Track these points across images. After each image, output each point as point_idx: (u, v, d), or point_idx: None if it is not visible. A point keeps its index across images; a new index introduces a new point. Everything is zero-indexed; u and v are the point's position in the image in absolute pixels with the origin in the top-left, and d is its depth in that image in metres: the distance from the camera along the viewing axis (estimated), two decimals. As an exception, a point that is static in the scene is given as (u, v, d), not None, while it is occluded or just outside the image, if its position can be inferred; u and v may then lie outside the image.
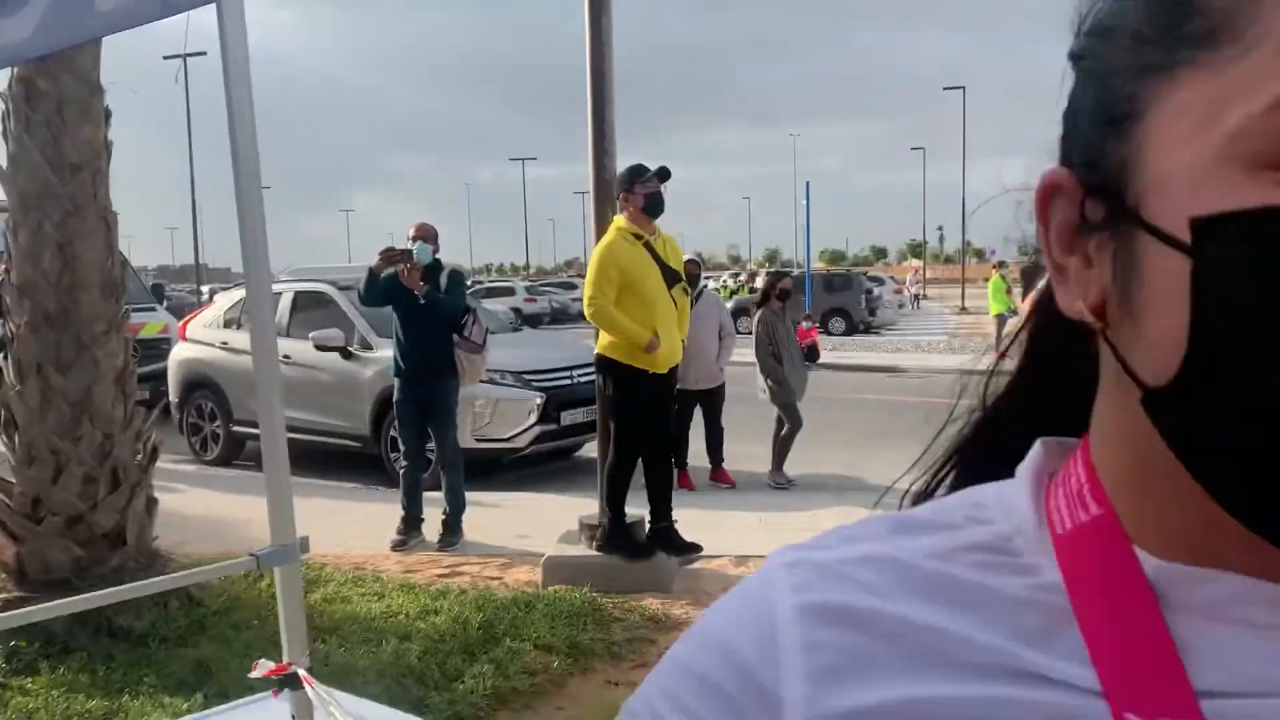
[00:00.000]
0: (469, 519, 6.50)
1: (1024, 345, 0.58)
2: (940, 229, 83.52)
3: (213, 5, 2.28)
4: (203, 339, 10.20)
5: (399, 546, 6.30)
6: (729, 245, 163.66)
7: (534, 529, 6.49)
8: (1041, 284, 0.53)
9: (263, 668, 2.42)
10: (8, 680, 4.06)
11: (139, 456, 4.80)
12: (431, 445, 6.66)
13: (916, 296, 43.71)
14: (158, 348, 10.92)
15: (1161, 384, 0.42)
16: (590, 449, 7.69)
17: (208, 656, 4.24)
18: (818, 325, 18.38)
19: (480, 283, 42.30)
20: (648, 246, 5.45)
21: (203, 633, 4.55)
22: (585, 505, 6.07)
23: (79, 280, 4.52)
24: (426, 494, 6.53)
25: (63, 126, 4.47)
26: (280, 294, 9.25)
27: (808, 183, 25.81)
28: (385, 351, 7.58)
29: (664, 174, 5.51)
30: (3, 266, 4.76)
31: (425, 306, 6.22)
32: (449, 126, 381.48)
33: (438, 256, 6.40)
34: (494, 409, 8.37)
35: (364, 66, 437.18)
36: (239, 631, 4.55)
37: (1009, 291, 18.41)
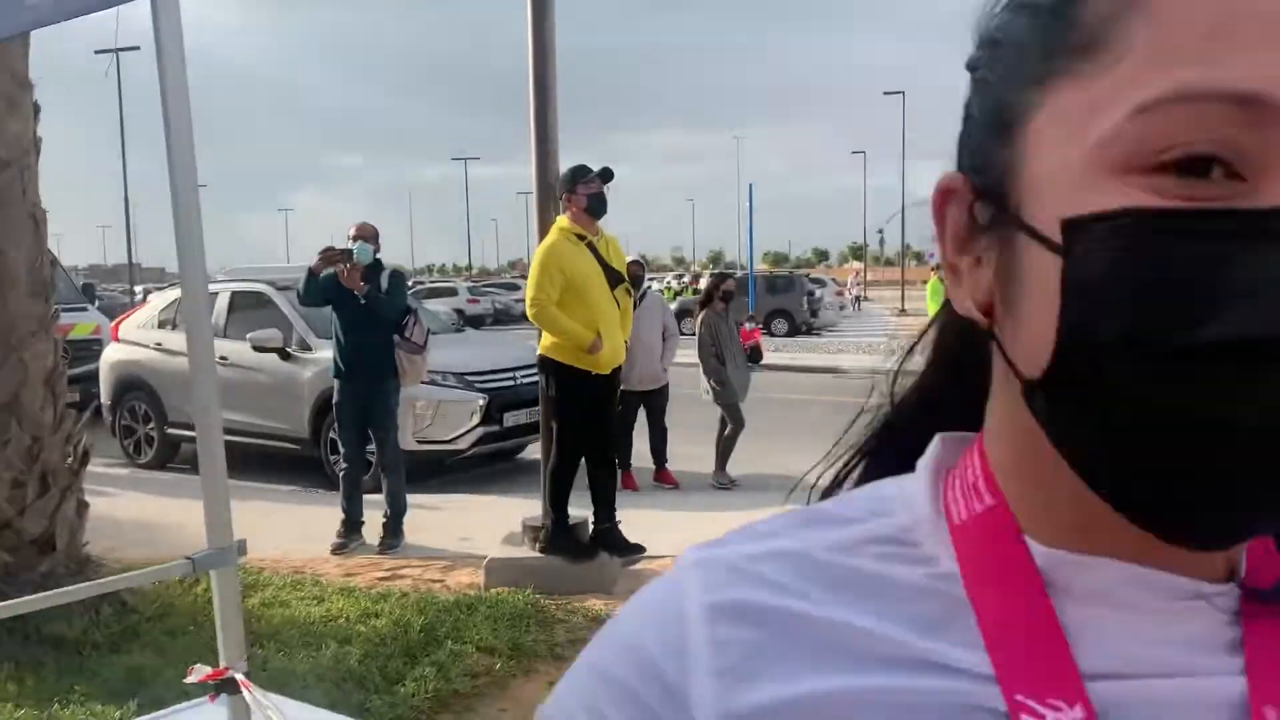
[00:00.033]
0: (410, 521, 6.45)
1: (930, 344, 0.61)
2: (881, 232, 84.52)
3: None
4: (136, 340, 9.98)
5: (339, 550, 6.22)
6: (673, 247, 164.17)
7: (476, 531, 6.45)
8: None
9: (199, 672, 2.38)
10: (-69, 691, 3.95)
11: (69, 460, 4.69)
12: (372, 447, 6.59)
13: (858, 298, 44.20)
14: (89, 349, 10.67)
15: (1037, 377, 0.44)
16: (533, 450, 7.66)
17: (141, 663, 4.16)
18: (760, 326, 18.51)
19: (422, 283, 41.91)
20: (590, 247, 5.45)
21: (136, 639, 4.45)
22: (528, 507, 6.05)
23: (6, 279, 4.40)
24: (367, 496, 6.46)
25: (-10, 122, 4.36)
26: (217, 294, 9.09)
27: (751, 185, 26.07)
28: (324, 352, 7.49)
29: (607, 175, 5.52)
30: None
31: (366, 307, 6.16)
32: (390, 126, 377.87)
33: (379, 256, 6.34)
34: (436, 410, 8.31)
35: (303, 65, 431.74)
36: (174, 638, 4.46)
37: (947, 293, 18.68)
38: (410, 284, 8.09)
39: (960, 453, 0.53)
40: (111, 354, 10.13)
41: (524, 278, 7.94)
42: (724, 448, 8.20)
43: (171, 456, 9.67)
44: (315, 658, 4.21)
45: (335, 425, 6.63)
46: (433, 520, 6.86)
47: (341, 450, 6.55)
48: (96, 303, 14.21)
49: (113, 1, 2.28)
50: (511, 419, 8.62)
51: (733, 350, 8.22)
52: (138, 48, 25.31)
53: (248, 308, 9.25)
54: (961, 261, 0.50)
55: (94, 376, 10.07)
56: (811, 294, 28.12)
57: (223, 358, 8.15)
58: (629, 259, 6.82)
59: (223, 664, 2.42)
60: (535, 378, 5.86)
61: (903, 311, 38.98)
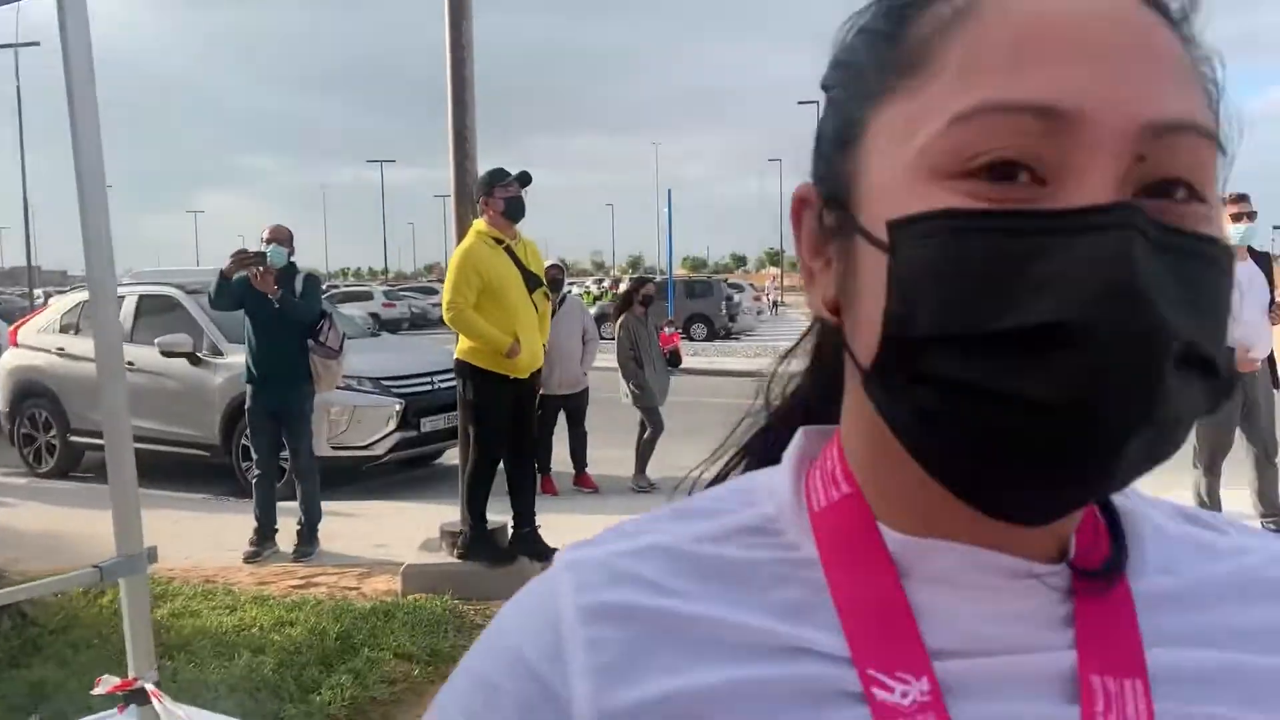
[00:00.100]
0: (325, 529, 6.35)
1: (807, 347, 0.66)
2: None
3: (51, -6, 2.19)
4: (36, 345, 9.66)
5: (252, 558, 6.10)
6: (593, 251, 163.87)
7: (393, 538, 6.38)
8: None
9: (106, 684, 2.33)
10: None
11: (-34, 469, 4.52)
12: (285, 454, 6.47)
13: (775, 303, 44.79)
14: (-15, 354, 10.29)
15: (869, 366, 0.48)
16: (451, 456, 7.61)
17: (44, 677, 4.02)
18: (679, 331, 18.61)
19: (336, 287, 41.24)
20: (508, 251, 5.44)
21: (38, 653, 4.31)
22: (446, 512, 6.00)
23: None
24: (280, 504, 6.34)
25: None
26: (123, 298, 8.84)
27: (669, 190, 26.25)
28: (236, 357, 7.34)
29: (525, 178, 5.51)
30: None
31: (279, 311, 6.05)
32: (304, 127, 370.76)
33: (293, 260, 6.24)
34: (351, 416, 8.19)
35: (212, 64, 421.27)
36: (78, 651, 4.32)
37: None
38: (325, 288, 7.97)
39: (823, 445, 0.57)
40: (10, 359, 9.80)
41: (441, 281, 7.88)
42: (643, 451, 8.24)
43: (74, 465, 9.38)
44: (228, 668, 4.12)
45: (247, 431, 6.49)
46: (348, 527, 6.76)
47: (254, 457, 6.42)
48: (-7, 307, 13.69)
49: (14, -5, 2.22)
50: (429, 424, 8.55)
51: (652, 354, 8.27)
52: (38, 43, 24.41)
53: (156, 312, 9.01)
54: (815, 264, 0.54)
55: (-9, 383, 9.70)
56: (730, 299, 28.40)
57: (130, 363, 7.92)
58: (548, 263, 6.82)
59: (131, 674, 2.36)
60: (453, 382, 5.82)
61: (819, 316, 39.48)
